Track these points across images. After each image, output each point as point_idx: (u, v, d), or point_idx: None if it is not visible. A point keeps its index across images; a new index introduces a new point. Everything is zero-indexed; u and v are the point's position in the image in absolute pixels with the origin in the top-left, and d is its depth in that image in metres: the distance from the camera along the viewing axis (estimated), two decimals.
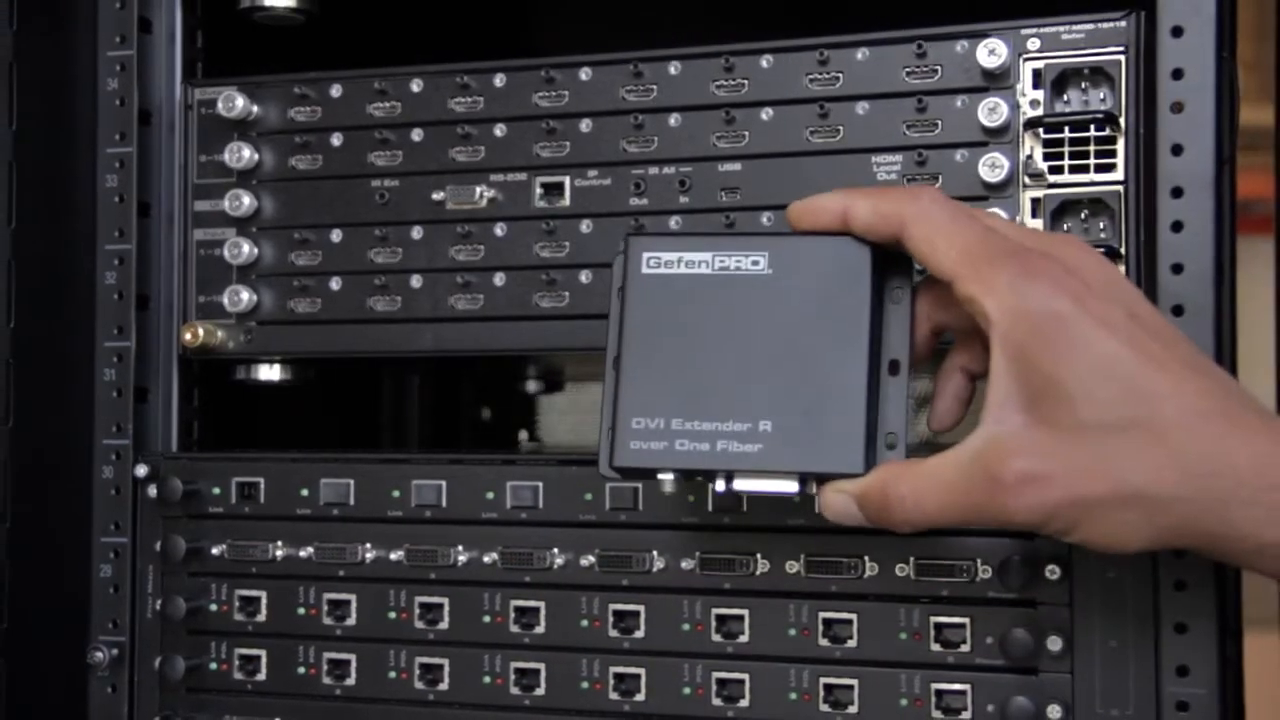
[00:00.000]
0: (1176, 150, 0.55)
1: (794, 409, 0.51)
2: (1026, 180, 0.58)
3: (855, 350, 0.50)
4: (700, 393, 0.51)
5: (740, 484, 0.52)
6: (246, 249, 0.67)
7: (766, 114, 0.62)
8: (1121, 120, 0.57)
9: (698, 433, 0.51)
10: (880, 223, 0.50)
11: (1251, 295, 0.72)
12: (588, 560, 0.61)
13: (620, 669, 0.61)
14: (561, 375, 0.96)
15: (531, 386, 0.95)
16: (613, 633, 0.61)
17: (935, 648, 0.57)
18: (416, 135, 0.66)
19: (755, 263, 0.52)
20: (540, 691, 0.62)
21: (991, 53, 0.58)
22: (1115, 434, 0.46)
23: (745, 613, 0.60)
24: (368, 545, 0.64)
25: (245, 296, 0.67)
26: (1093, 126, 0.57)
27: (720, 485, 0.52)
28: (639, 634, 0.61)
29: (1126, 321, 0.47)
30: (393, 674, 0.64)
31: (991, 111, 0.58)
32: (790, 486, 0.51)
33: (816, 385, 0.51)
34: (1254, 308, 0.74)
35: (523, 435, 0.97)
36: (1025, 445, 0.47)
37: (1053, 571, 0.56)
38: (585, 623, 0.61)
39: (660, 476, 0.52)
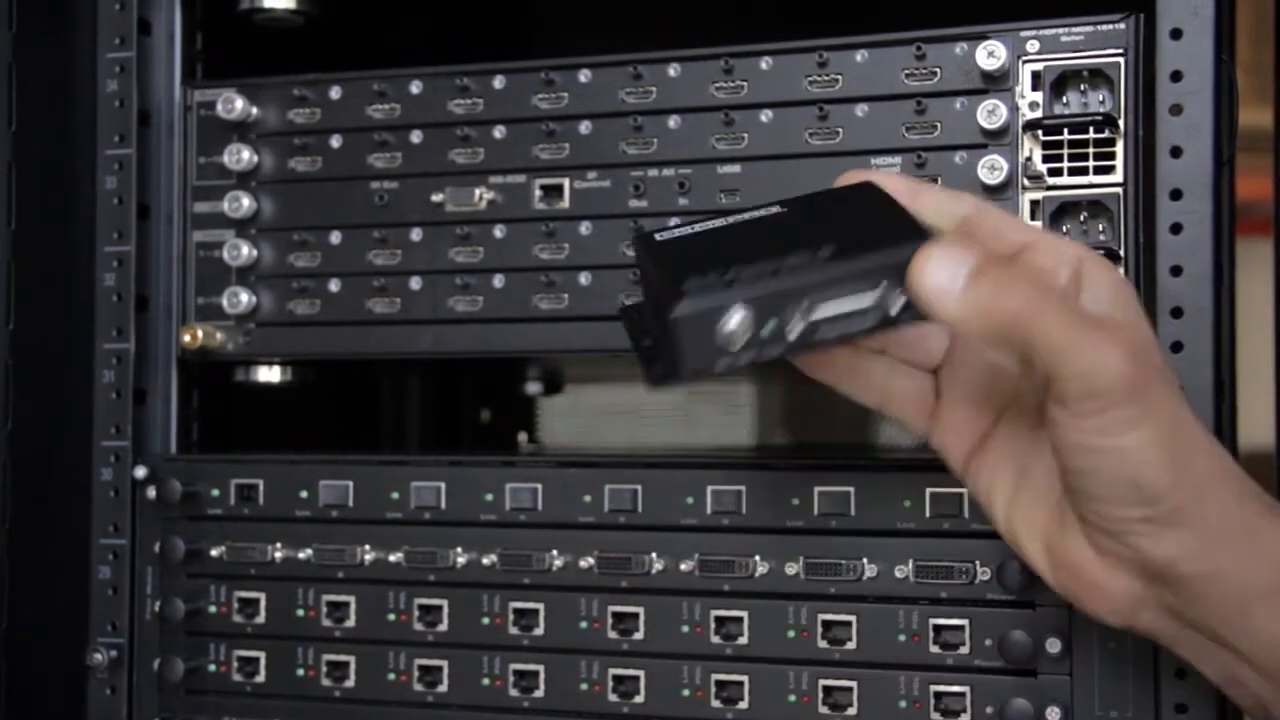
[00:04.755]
0: (1175, 152, 0.55)
1: (851, 235, 0.46)
2: (1025, 182, 0.58)
3: (897, 209, 0.48)
4: (755, 247, 0.47)
5: (821, 310, 0.45)
6: (246, 251, 0.67)
7: (766, 116, 0.62)
8: (1120, 122, 0.57)
9: (759, 268, 0.45)
10: (952, 199, 0.52)
11: (1251, 297, 0.72)
12: (587, 562, 0.61)
13: (619, 671, 0.61)
14: (561, 377, 0.96)
15: (531, 388, 0.95)
16: (612, 634, 0.61)
17: (934, 649, 0.57)
18: (416, 137, 0.66)
19: (769, 210, 0.51)
20: (539, 693, 0.62)
21: (990, 55, 0.58)
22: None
23: (744, 614, 0.60)
24: (367, 547, 0.64)
25: (244, 298, 0.67)
26: (1092, 129, 0.57)
27: (797, 322, 0.45)
28: (638, 635, 0.61)
29: None
30: (392, 676, 0.64)
31: (990, 113, 0.58)
32: (866, 300, 0.45)
33: (867, 221, 0.48)
34: (1253, 310, 0.74)
35: (522, 437, 0.97)
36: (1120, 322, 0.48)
37: None
38: (584, 624, 0.61)
39: (730, 315, 0.44)
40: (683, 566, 0.60)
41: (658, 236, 0.52)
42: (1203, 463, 0.47)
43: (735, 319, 0.45)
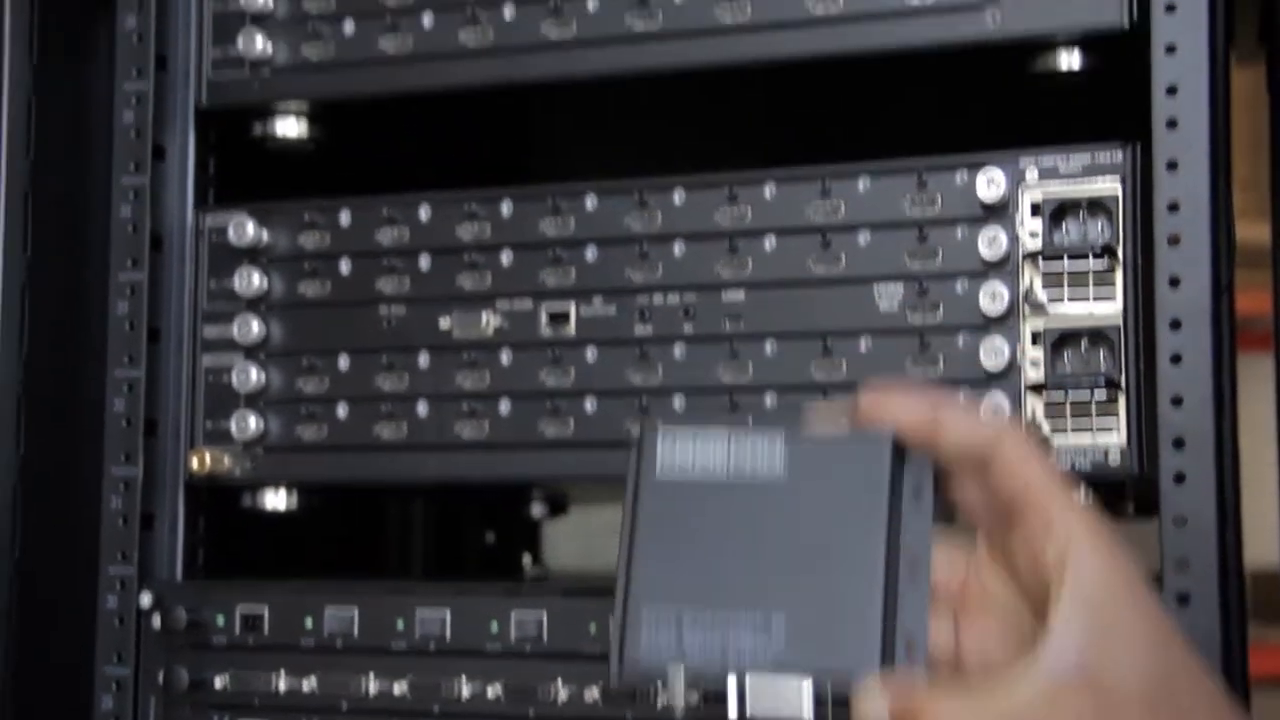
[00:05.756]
0: (1174, 283, 0.56)
1: (808, 604, 0.49)
2: (1027, 311, 0.59)
3: (872, 551, 0.49)
4: (714, 585, 0.50)
5: (752, 697, 0.49)
6: (255, 375, 0.68)
7: (769, 242, 0.62)
8: (1119, 251, 0.58)
9: (710, 621, 0.49)
10: (974, 434, 0.48)
11: (1252, 413, 0.72)
12: (592, 694, 0.60)
13: None
14: (566, 499, 0.96)
15: (536, 511, 0.95)
16: None
17: None
18: (424, 262, 0.66)
19: (771, 467, 0.51)
20: None
21: (990, 183, 0.59)
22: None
23: None
24: (371, 676, 0.64)
25: (253, 423, 0.67)
26: (1091, 256, 0.58)
27: (733, 711, 0.49)
28: None
29: None
30: None
31: (991, 242, 0.59)
32: (805, 715, 0.48)
33: (832, 583, 0.49)
34: (1255, 427, 0.74)
35: (527, 559, 0.97)
36: (1084, 690, 0.44)
37: None
38: None
39: (673, 677, 0.49)
40: (693, 699, 0.60)
41: (658, 463, 0.52)
42: None
43: (677, 682, 0.49)
